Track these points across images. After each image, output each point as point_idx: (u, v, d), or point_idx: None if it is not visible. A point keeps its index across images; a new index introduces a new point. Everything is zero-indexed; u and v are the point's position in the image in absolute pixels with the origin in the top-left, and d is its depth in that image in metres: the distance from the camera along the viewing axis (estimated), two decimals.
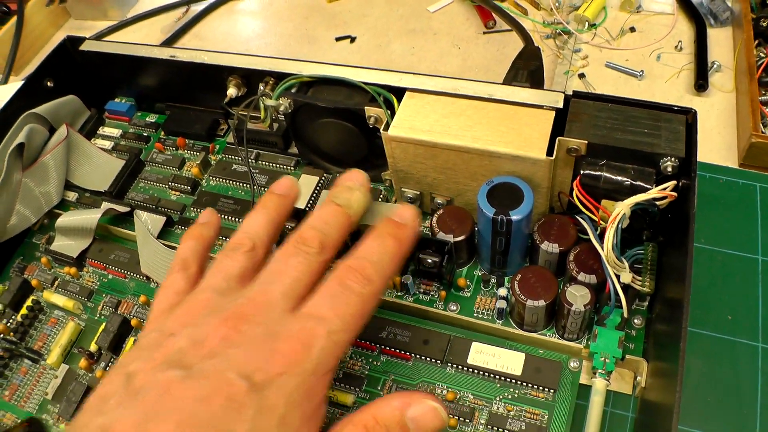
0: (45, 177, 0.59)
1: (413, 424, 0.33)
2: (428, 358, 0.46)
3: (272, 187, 0.43)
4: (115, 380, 0.33)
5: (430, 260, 0.47)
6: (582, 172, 0.45)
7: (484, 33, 0.70)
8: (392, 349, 0.47)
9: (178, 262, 0.41)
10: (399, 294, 0.49)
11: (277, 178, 0.57)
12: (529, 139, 0.45)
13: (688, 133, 0.43)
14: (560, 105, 0.46)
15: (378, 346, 0.47)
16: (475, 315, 0.48)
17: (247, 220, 0.41)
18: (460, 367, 0.45)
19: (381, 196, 0.54)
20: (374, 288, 0.37)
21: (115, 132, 0.65)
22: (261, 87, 0.54)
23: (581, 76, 0.63)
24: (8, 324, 0.55)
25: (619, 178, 0.44)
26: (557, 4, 0.69)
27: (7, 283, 0.57)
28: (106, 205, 0.57)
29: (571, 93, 0.46)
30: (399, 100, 0.49)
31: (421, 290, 0.49)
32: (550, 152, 0.44)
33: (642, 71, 0.63)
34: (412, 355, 0.46)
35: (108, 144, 0.64)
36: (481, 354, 0.46)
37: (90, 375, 0.51)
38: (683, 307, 0.38)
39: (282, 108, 0.52)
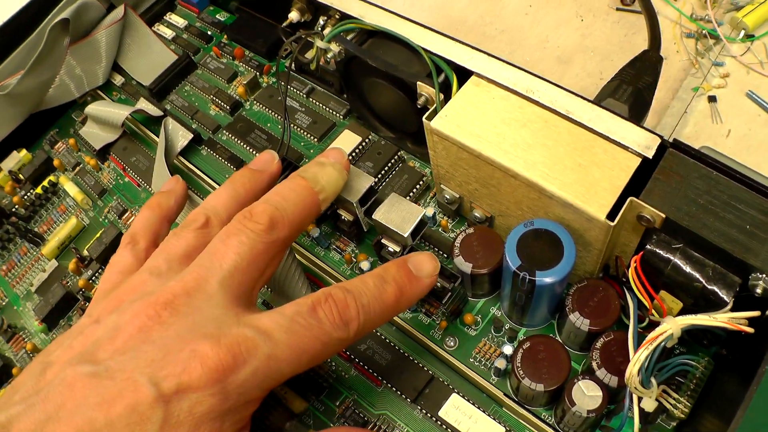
0: (94, 54, 0.53)
1: None
2: (399, 392, 0.38)
3: (251, 163, 0.36)
4: (33, 369, 0.28)
5: (438, 284, 0.38)
6: (647, 247, 0.33)
7: (617, 9, 0.54)
8: (365, 368, 0.39)
9: (128, 236, 0.34)
10: None
11: (322, 122, 0.48)
12: (594, 186, 0.33)
13: None
14: (650, 153, 0.33)
15: (352, 357, 0.39)
16: (471, 360, 0.38)
17: (210, 195, 0.34)
18: (429, 414, 0.37)
19: (423, 179, 0.44)
20: (347, 334, 0.29)
21: (181, 22, 0.57)
22: (321, 22, 0.44)
23: (711, 99, 0.48)
24: (24, 197, 0.51)
25: (693, 273, 0.32)
26: None
27: (37, 153, 0.53)
28: (140, 103, 0.51)
29: (671, 140, 0.33)
30: (461, 83, 0.38)
31: (424, 309, 0.40)
32: (615, 212, 0.32)
33: None
34: (384, 382, 0.38)
35: (169, 33, 0.56)
36: (456, 410, 0.37)
37: (76, 278, 0.47)
38: None
39: (330, 54, 0.41)
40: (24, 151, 0.53)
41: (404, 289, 0.31)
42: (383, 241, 0.40)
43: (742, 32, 0.50)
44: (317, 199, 0.33)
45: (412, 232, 0.38)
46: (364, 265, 0.41)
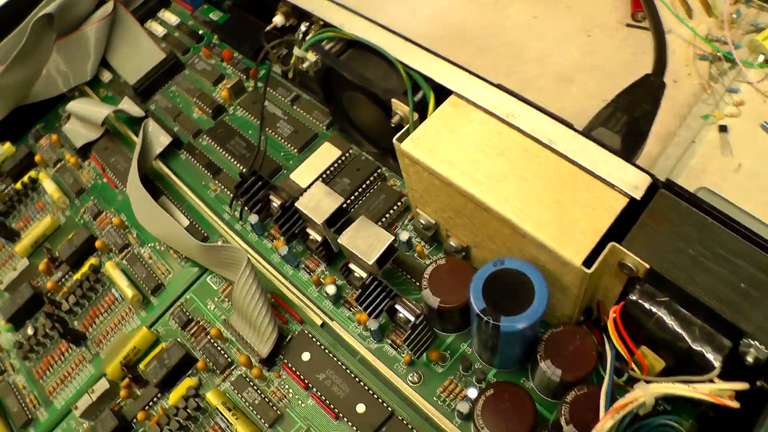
0: (81, 49, 0.50)
1: None
2: (355, 428, 0.34)
3: None
4: None
5: (402, 315, 0.34)
6: (629, 297, 0.28)
7: (627, 25, 0.49)
8: (322, 399, 0.35)
9: None
10: (364, 334, 0.37)
11: (304, 131, 0.44)
12: (572, 227, 0.28)
13: None
14: (639, 194, 0.28)
15: (310, 386, 0.36)
16: (434, 399, 0.34)
17: None
18: None
19: (402, 200, 0.40)
20: None
21: (174, 20, 0.53)
22: (302, 28, 0.40)
23: (722, 128, 0.42)
24: (3, 192, 0.49)
25: (678, 331, 0.27)
26: (734, 17, 0.46)
27: (21, 147, 0.50)
28: (123, 103, 0.48)
29: (664, 180, 0.29)
30: (439, 103, 0.33)
31: (390, 341, 0.36)
32: (594, 257, 0.28)
33: None
34: (340, 415, 0.34)
35: (161, 31, 0.53)
36: None
37: (46, 278, 0.44)
38: None
39: (306, 64, 0.38)
40: (8, 144, 0.50)
41: None
42: (350, 266, 0.36)
43: (761, 57, 0.45)
44: None
45: (378, 259, 0.34)
46: (330, 289, 0.37)
